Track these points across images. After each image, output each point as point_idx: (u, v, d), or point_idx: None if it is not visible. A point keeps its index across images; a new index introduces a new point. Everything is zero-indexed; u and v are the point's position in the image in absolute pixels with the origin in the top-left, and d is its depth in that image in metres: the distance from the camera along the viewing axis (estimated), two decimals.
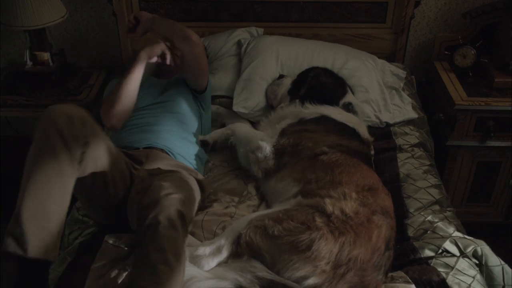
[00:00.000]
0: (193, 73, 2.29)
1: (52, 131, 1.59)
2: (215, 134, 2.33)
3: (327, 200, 1.72)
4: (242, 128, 2.23)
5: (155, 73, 2.50)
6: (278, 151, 2.07)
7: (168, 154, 2.08)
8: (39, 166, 1.57)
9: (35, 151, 1.60)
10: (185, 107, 2.27)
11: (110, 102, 2.09)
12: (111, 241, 1.73)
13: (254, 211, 1.97)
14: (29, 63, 2.75)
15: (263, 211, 1.85)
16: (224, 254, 1.66)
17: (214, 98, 2.56)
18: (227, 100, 2.57)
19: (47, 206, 1.56)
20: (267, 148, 2.07)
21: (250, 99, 2.49)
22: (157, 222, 1.52)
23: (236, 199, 2.05)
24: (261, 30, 2.82)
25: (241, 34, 2.78)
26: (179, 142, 2.16)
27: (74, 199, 2.07)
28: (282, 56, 2.62)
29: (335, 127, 2.12)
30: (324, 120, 2.14)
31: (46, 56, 2.72)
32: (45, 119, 1.61)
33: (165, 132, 2.14)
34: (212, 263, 1.66)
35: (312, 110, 2.18)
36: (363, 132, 2.18)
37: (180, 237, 1.54)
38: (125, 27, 2.27)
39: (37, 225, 1.53)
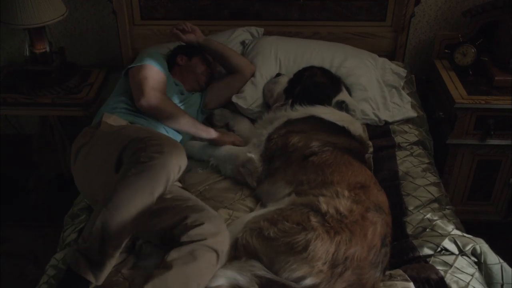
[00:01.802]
0: (220, 99, 2.52)
1: (165, 172, 1.64)
2: (191, 151, 2.24)
3: (321, 199, 1.72)
4: (222, 148, 2.20)
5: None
6: (267, 157, 2.07)
7: None
8: (139, 193, 1.60)
9: (138, 176, 1.62)
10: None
11: (167, 115, 2.13)
12: None
13: (251, 210, 1.97)
14: (29, 61, 2.75)
15: (258, 212, 1.84)
16: (223, 260, 1.65)
17: None
18: (231, 102, 2.56)
19: (125, 237, 1.61)
20: (256, 158, 2.07)
21: (248, 95, 2.50)
22: (214, 250, 1.57)
23: (231, 196, 2.04)
24: (261, 30, 2.81)
25: (241, 34, 2.78)
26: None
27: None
28: (281, 54, 2.62)
29: (323, 125, 2.11)
30: (312, 119, 2.13)
31: (46, 54, 2.73)
32: (164, 163, 1.64)
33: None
34: None
35: (301, 111, 2.18)
36: (355, 129, 2.17)
37: (215, 269, 1.60)
38: (179, 25, 2.46)
39: (114, 256, 1.58)
